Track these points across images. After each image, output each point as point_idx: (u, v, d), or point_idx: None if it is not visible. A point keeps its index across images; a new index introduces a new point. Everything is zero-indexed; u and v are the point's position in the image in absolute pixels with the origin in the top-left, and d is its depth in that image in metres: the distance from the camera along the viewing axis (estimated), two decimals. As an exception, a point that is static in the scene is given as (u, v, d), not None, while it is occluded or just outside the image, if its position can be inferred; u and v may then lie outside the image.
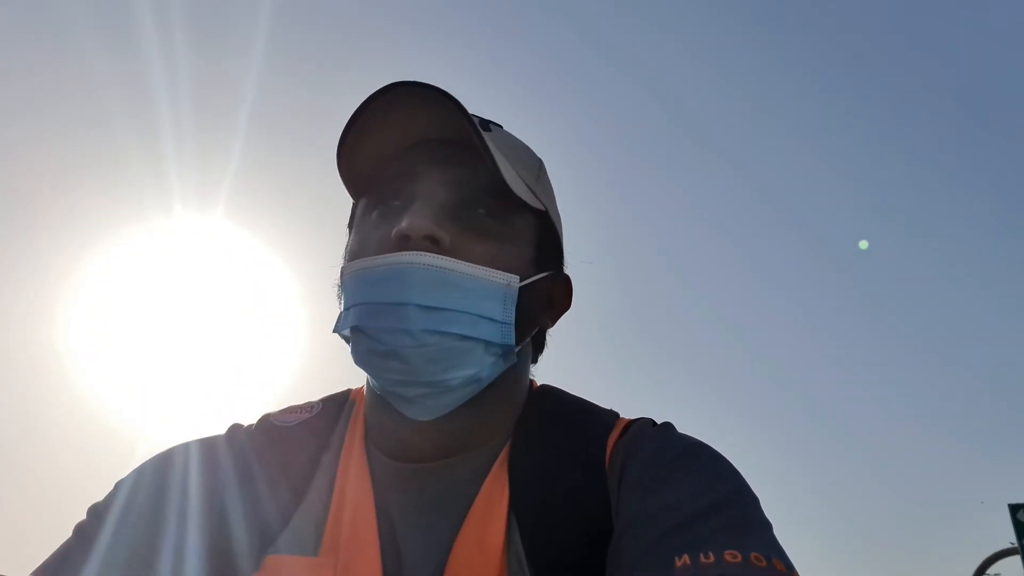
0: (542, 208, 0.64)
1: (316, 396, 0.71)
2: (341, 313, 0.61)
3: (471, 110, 0.59)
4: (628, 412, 0.66)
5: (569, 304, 0.70)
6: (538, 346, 0.71)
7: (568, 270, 0.71)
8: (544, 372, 0.72)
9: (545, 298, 0.65)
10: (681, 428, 0.63)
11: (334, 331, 0.61)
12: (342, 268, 0.62)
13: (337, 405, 0.69)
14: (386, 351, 0.55)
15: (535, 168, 0.67)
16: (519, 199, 0.60)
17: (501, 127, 0.68)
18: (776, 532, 0.52)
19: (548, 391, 0.69)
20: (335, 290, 0.64)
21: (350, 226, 0.67)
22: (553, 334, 0.71)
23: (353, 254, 0.61)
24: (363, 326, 0.56)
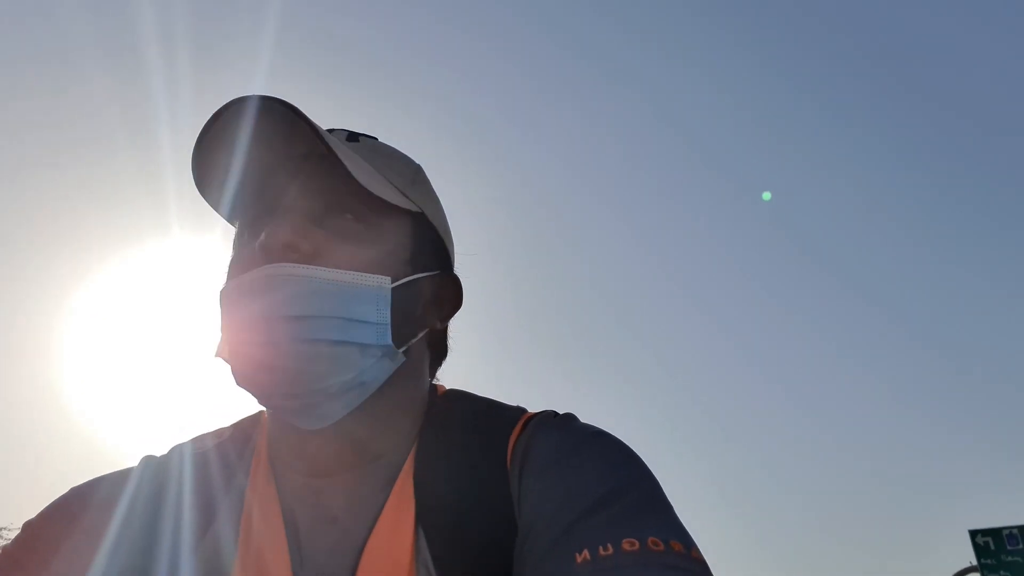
0: (417, 210, 0.64)
1: None
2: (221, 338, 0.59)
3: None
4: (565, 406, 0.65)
5: (460, 302, 0.69)
6: (439, 350, 0.71)
7: (459, 269, 0.71)
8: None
9: (430, 298, 0.65)
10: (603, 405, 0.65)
11: (215, 356, 0.59)
12: (219, 293, 0.60)
13: (246, 429, 0.68)
14: (258, 365, 0.54)
15: (410, 173, 0.67)
16: (387, 202, 0.60)
17: (375, 139, 0.69)
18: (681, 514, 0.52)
19: (453, 395, 0.68)
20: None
21: None
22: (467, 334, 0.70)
23: (226, 277, 0.61)
24: (236, 345, 0.55)
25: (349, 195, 0.59)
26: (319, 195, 0.59)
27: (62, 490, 0.64)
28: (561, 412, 0.64)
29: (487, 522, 0.55)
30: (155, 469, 0.64)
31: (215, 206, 0.63)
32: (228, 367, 0.58)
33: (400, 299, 0.59)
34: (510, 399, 0.68)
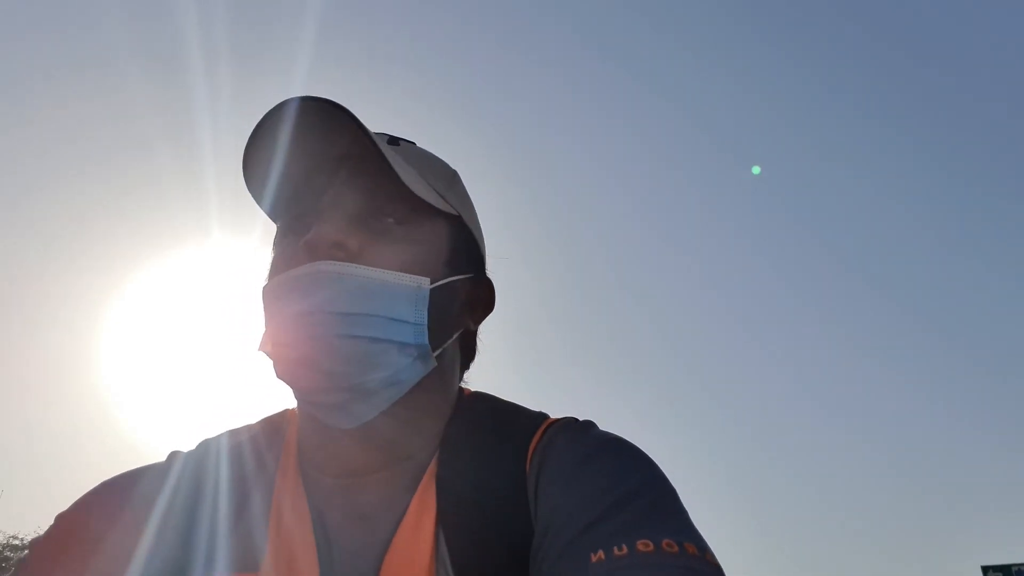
0: (455, 213, 0.67)
1: None
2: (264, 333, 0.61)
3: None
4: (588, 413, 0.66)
5: (492, 305, 0.72)
6: (468, 352, 0.72)
7: (491, 274, 0.73)
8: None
9: (464, 300, 0.67)
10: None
11: (258, 350, 0.61)
12: (262, 289, 0.62)
13: (274, 426, 0.69)
14: (300, 359, 0.56)
15: (448, 178, 0.69)
16: (428, 204, 0.62)
17: (413, 143, 0.71)
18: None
19: (478, 397, 0.70)
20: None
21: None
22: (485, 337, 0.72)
23: (268, 273, 0.63)
24: (279, 339, 0.57)
25: (391, 196, 0.61)
26: (362, 195, 0.61)
27: (80, 485, 0.64)
28: (581, 419, 0.66)
29: (504, 524, 0.57)
30: (184, 464, 0.65)
31: (260, 203, 0.64)
32: (270, 361, 0.59)
33: (437, 300, 0.61)
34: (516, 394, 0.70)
